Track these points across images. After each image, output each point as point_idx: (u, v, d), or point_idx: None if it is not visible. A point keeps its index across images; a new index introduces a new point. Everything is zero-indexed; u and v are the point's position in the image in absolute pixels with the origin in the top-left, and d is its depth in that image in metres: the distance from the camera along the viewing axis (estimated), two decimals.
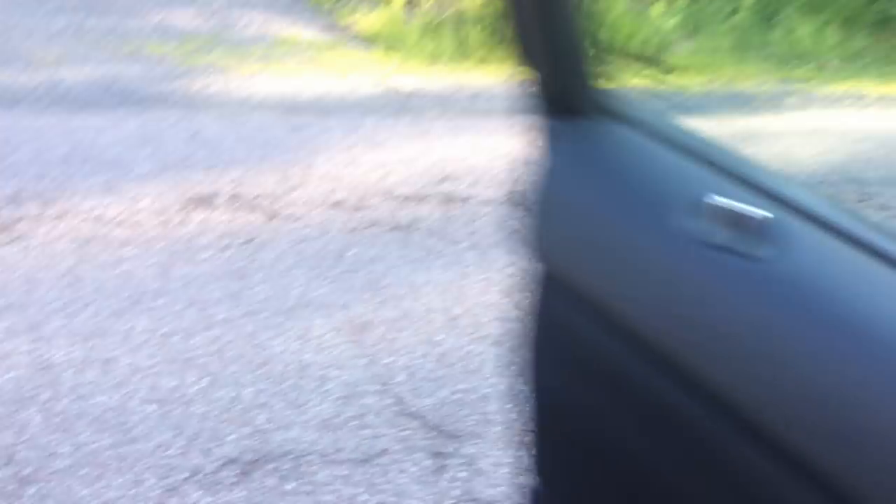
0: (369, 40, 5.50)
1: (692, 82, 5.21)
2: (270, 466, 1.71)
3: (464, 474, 1.75)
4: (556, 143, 0.86)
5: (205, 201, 2.83)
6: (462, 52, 5.31)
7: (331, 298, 2.35)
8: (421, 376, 2.05)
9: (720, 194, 0.70)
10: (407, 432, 1.86)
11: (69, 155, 3.07)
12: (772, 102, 4.93)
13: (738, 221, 0.68)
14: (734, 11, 6.23)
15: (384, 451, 1.79)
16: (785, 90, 5.26)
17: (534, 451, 0.92)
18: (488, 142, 3.70)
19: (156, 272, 2.37)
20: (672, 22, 5.84)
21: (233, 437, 1.78)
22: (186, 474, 1.66)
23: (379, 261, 2.58)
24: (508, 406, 2.01)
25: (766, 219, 0.67)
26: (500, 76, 5.02)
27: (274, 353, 2.08)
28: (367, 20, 5.67)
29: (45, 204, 2.68)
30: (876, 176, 3.81)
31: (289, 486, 1.66)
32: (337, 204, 2.94)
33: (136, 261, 2.42)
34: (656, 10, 5.85)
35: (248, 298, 2.30)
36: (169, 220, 2.67)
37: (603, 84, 0.83)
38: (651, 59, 5.53)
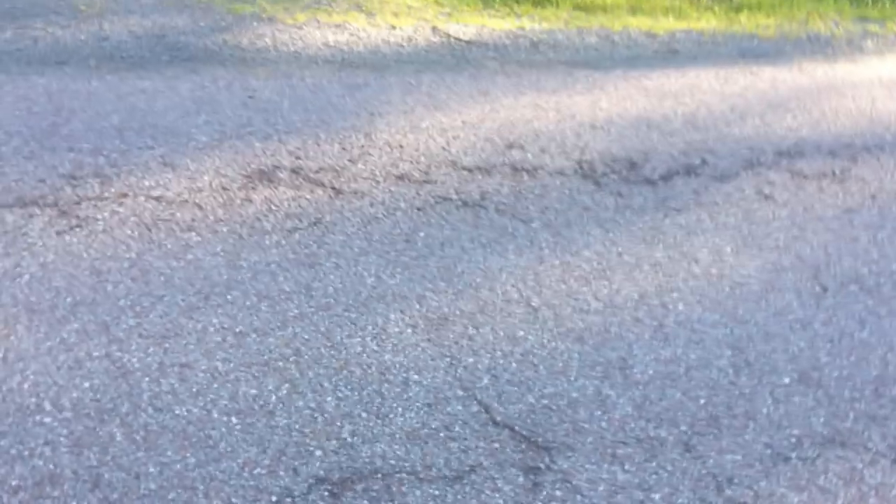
0: None
1: (763, 23, 4.87)
2: (360, 487, 1.65)
3: (560, 493, 1.68)
4: None
5: (267, 176, 2.72)
6: None
7: (405, 289, 2.25)
8: (505, 379, 1.97)
9: None
10: (496, 445, 1.78)
11: (124, 123, 2.96)
12: (849, 47, 4.60)
13: None
14: None
15: (475, 467, 1.72)
16: (863, 31, 4.89)
17: None
18: (552, 101, 3.50)
19: (224, 261, 2.29)
20: None
21: (319, 452, 1.72)
22: (276, 497, 1.61)
23: (451, 244, 2.46)
24: (598, 413, 1.93)
25: None
26: (556, 22, 4.74)
27: (352, 353, 2.00)
28: None
29: (104, 182, 2.59)
30: None
31: None
32: (402, 177, 2.80)
33: (202, 248, 2.33)
34: None
35: (320, 290, 2.21)
36: (232, 199, 2.57)
37: None
38: None
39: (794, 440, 1.85)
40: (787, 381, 2.03)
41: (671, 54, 4.29)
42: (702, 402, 1.94)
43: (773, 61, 4.23)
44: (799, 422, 1.90)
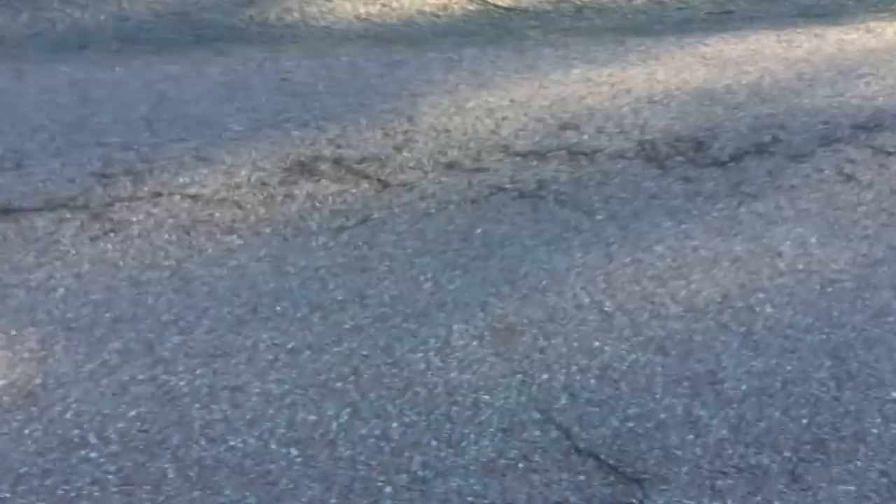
0: None
1: None
2: None
3: None
4: None
5: (307, 168, 2.54)
6: None
7: (466, 295, 2.07)
8: (584, 398, 1.80)
9: None
10: (582, 477, 1.62)
11: (153, 114, 2.78)
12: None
13: None
14: None
15: None
16: None
17: None
18: (604, 74, 3.26)
19: (269, 267, 2.12)
20: None
21: (388, 489, 1.57)
22: None
23: (510, 241, 2.27)
24: (691, 437, 1.76)
25: None
26: None
27: (415, 372, 1.84)
28: None
29: (137, 181, 2.42)
30: None
31: None
32: (451, 165, 2.61)
33: (245, 252, 2.17)
34: None
35: (374, 298, 2.04)
36: (273, 196, 2.39)
37: None
38: None
39: None
40: (895, 395, 1.84)
41: (726, 15, 4.00)
42: (804, 422, 1.76)
43: (837, 20, 3.92)
44: None
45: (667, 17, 3.97)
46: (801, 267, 2.23)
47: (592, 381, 1.84)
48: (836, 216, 2.46)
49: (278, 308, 1.99)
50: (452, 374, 1.84)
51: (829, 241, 2.35)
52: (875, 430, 1.75)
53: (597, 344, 1.95)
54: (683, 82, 3.23)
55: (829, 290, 2.15)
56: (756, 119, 2.97)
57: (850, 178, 2.65)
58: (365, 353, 1.88)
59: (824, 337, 1.99)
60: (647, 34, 3.73)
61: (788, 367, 1.90)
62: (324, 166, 2.56)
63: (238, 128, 2.73)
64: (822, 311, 2.07)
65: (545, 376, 1.85)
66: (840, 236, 2.37)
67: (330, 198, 2.41)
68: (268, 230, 2.26)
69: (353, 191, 2.45)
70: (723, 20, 3.96)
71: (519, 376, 1.85)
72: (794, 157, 2.77)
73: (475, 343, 1.93)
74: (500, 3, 4.03)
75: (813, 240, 2.35)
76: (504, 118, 2.91)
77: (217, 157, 2.55)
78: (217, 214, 2.31)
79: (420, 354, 1.89)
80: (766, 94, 3.16)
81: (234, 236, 2.23)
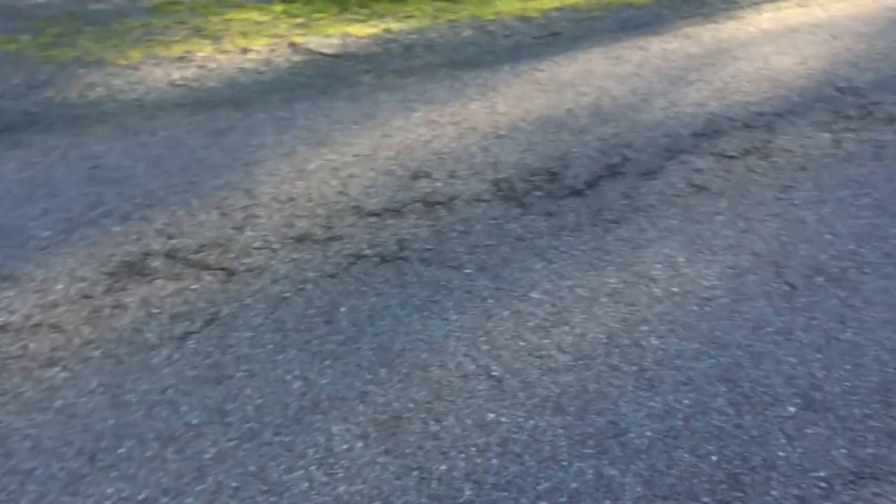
0: None
1: None
2: None
3: None
4: None
5: (136, 269, 2.22)
6: None
7: (341, 388, 1.85)
8: (490, 483, 1.63)
9: None
10: None
11: None
12: (724, 2, 4.53)
13: None
14: None
15: None
16: None
17: None
18: (445, 113, 3.16)
19: (105, 400, 1.80)
20: None
21: None
22: None
23: (380, 315, 2.08)
24: (607, 503, 1.63)
25: None
26: (423, 19, 4.38)
27: (297, 495, 1.59)
28: None
29: None
30: (868, 80, 3.50)
31: None
32: (301, 238, 2.38)
33: (73, 387, 1.83)
34: None
35: (237, 413, 1.78)
36: (99, 310, 2.06)
37: None
38: None
39: (823, 485, 1.63)
40: (792, 410, 1.81)
41: (553, 38, 4.05)
42: (714, 458, 1.68)
43: (656, 30, 4.08)
44: (821, 460, 1.69)
45: (497, 46, 3.95)
46: (675, 289, 2.20)
47: (494, 460, 1.68)
48: (697, 230, 2.47)
49: (122, 450, 1.68)
50: (341, 489, 1.61)
51: (695, 257, 2.34)
52: (782, 453, 1.70)
53: (491, 416, 1.79)
54: (526, 112, 3.19)
55: (707, 308, 2.12)
56: (602, 141, 2.97)
57: (701, 188, 2.69)
58: (235, 484, 1.62)
59: (713, 361, 1.94)
60: (480, 66, 3.68)
61: (686, 401, 1.83)
62: (155, 263, 2.25)
63: (46, 233, 2.36)
64: (704, 333, 2.03)
65: (443, 467, 1.66)
66: (704, 250, 2.37)
67: (167, 300, 2.11)
68: (98, 353, 1.93)
69: (195, 287, 2.17)
70: (551, 43, 4.00)
71: (415, 473, 1.65)
72: (645, 174, 2.78)
73: (360, 444, 1.71)
74: (326, 50, 3.85)
75: (681, 258, 2.33)
76: (350, 176, 2.72)
77: (24, 274, 2.18)
78: (32, 345, 1.95)
79: (300, 472, 1.64)
80: (607, 114, 3.18)
81: (57, 368, 1.88)
